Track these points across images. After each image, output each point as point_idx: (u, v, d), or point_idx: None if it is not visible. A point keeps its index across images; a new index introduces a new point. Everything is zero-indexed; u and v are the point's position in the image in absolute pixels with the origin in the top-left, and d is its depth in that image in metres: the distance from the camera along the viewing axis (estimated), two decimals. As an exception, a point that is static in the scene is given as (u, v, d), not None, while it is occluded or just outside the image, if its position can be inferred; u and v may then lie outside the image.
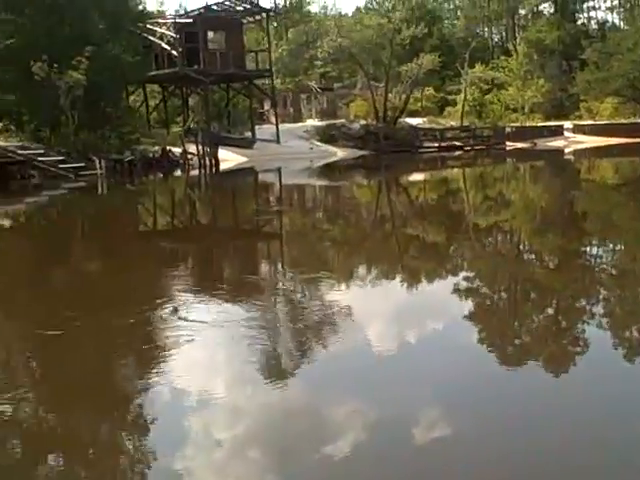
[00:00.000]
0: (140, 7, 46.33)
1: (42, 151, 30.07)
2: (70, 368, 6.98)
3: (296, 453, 5.07)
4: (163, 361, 6.87)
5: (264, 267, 12.76)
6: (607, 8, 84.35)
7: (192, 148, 35.77)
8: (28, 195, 26.33)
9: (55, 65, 30.81)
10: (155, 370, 6.68)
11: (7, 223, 20.51)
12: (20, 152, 29.05)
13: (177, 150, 35.76)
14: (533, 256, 13.58)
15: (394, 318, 8.73)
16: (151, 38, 41.15)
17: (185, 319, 8.19)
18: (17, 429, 5.57)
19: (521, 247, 14.61)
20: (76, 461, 5.09)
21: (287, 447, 5.17)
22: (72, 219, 21.10)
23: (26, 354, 7.59)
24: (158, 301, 9.19)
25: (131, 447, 5.18)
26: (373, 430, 5.35)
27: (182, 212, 22.60)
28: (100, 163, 30.11)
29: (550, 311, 9.05)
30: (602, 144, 49.29)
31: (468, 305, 9.20)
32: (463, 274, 11.31)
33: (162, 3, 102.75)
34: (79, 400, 6.14)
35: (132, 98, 45.45)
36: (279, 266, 12.59)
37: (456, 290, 9.90)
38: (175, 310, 8.59)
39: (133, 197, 26.91)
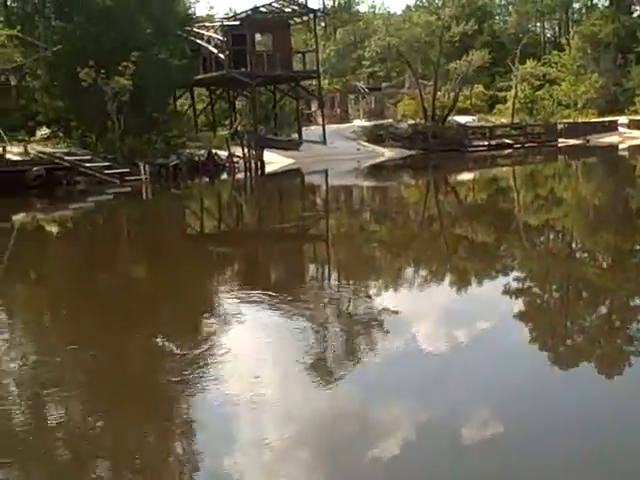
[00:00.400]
0: (189, 11, 46.64)
1: (89, 157, 30.20)
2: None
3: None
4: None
5: (320, 272, 12.48)
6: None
7: (238, 151, 35.63)
8: (74, 201, 26.44)
9: (102, 71, 30.92)
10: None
11: (54, 229, 20.59)
12: (66, 158, 29.23)
13: (223, 153, 35.66)
14: (586, 255, 13.36)
15: (457, 320, 8.63)
16: (198, 41, 41.20)
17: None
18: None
19: (574, 246, 14.34)
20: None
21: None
22: (117, 225, 21.11)
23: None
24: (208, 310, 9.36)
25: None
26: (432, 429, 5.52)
27: (228, 216, 22.41)
28: (145, 168, 30.07)
29: (604, 311, 8.96)
30: (659, 139, 48.07)
31: (526, 308, 9.09)
32: (519, 275, 11.14)
33: (212, 7, 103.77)
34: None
35: (180, 102, 45.60)
36: (335, 271, 12.47)
37: (514, 292, 9.80)
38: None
39: (177, 202, 26.80)
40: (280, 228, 17.87)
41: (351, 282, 10.99)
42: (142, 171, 29.94)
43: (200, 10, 65.46)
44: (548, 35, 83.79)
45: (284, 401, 6.06)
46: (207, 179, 33.12)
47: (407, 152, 43.75)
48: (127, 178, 29.34)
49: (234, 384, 6.45)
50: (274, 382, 6.54)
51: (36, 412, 6.13)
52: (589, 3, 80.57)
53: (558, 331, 8.13)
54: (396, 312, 8.71)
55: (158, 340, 8.07)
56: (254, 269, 13.01)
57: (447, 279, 11.14)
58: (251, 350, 7.45)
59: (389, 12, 71.80)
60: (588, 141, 50.00)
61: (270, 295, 9.87)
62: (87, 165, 29.29)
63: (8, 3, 37.75)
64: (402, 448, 5.19)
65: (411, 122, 47.98)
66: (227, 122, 46.25)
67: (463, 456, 5.03)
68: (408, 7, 79.83)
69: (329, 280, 11.53)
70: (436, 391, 6.25)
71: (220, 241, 16.59)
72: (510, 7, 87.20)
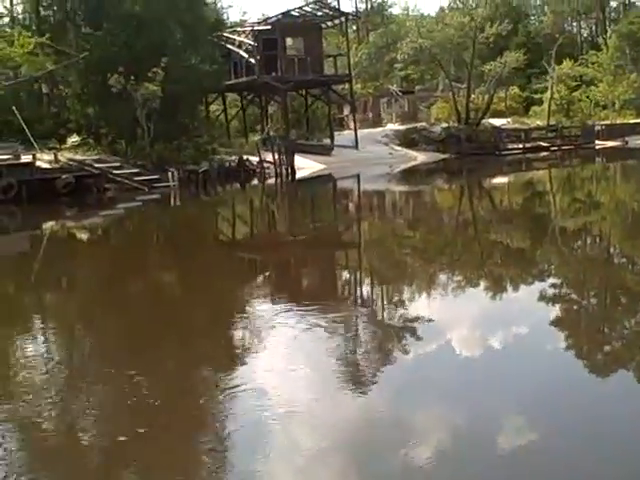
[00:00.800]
0: (222, 16, 46.55)
1: (118, 164, 30.15)
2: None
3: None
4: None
5: (359, 282, 12.23)
6: None
7: (269, 157, 35.35)
8: (103, 208, 26.40)
9: (132, 77, 30.85)
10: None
11: (85, 237, 20.55)
12: (96, 165, 29.19)
13: (255, 159, 35.39)
14: (625, 261, 13.13)
15: (506, 331, 8.55)
16: (229, 46, 41.08)
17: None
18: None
19: (612, 252, 14.03)
20: None
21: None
22: (147, 232, 21.00)
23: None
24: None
25: None
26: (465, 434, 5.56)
27: (256, 225, 21.99)
28: (173, 175, 29.95)
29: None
30: (701, 140, 46.92)
31: (566, 316, 9.00)
32: (560, 282, 11.02)
33: (245, 12, 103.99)
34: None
35: (214, 108, 45.51)
36: (373, 280, 12.30)
37: (557, 300, 9.69)
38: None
39: (205, 209, 26.58)
40: (312, 237, 17.45)
41: (390, 292, 10.89)
42: (170, 178, 29.81)
43: (233, 15, 65.64)
44: (585, 35, 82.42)
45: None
46: (238, 185, 32.86)
47: (440, 156, 43.15)
48: (155, 185, 29.22)
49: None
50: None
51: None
52: (627, 1, 79.12)
53: (599, 340, 7.94)
54: (441, 322, 8.76)
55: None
56: (288, 280, 12.68)
57: (496, 289, 10.84)
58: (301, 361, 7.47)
59: (422, 14, 71.24)
60: (627, 143, 48.86)
61: (313, 307, 9.67)
62: (116, 172, 29.23)
63: (40, 11, 37.95)
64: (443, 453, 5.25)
65: (444, 125, 47.35)
66: (259, 127, 46.03)
67: (495, 466, 5.04)
68: (441, 9, 79.17)
69: (369, 290, 11.42)
70: (477, 399, 6.21)
71: (249, 251, 16.28)
72: (545, 7, 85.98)
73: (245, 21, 58.28)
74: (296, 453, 5.38)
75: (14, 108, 30.48)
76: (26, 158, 27.80)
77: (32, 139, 29.43)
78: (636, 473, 4.81)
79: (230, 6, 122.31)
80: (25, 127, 29.64)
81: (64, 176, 27.74)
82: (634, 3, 78.24)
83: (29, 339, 9.07)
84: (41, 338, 9.22)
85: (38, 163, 28.12)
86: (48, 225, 22.68)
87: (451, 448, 5.29)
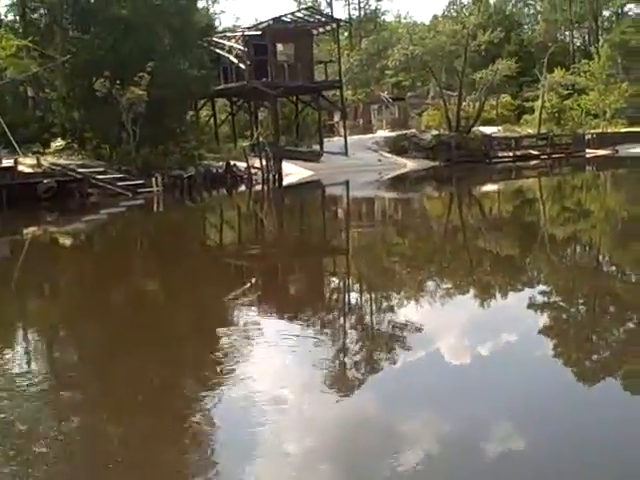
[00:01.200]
0: (215, 22, 46.22)
1: (102, 169, 29.73)
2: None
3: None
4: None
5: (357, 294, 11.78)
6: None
7: (257, 163, 35.00)
8: (85, 214, 25.97)
9: (118, 81, 30.46)
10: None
11: (65, 242, 20.18)
12: (79, 170, 28.78)
13: (242, 165, 35.03)
14: (614, 269, 12.95)
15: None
16: (219, 51, 40.78)
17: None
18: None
19: (601, 261, 13.83)
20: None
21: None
22: (128, 239, 20.49)
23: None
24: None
25: None
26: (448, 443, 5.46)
27: (239, 233, 21.43)
28: (157, 180, 29.53)
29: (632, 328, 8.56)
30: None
31: (554, 324, 8.85)
32: (549, 290, 10.84)
33: (238, 18, 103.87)
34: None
35: (203, 113, 45.17)
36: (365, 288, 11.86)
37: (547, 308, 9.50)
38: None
39: (188, 216, 26.02)
40: (293, 245, 17.08)
41: (377, 300, 10.62)
42: (154, 183, 29.40)
43: (226, 21, 65.42)
44: (577, 44, 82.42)
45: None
46: (224, 191, 32.43)
47: (430, 163, 42.96)
48: (140, 190, 28.76)
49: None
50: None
51: None
52: (619, 10, 79.27)
53: (587, 348, 7.84)
54: (430, 330, 8.65)
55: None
56: (270, 289, 12.19)
57: (485, 296, 10.56)
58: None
59: (414, 22, 71.20)
60: (617, 152, 48.78)
61: (296, 315, 9.44)
62: (99, 177, 28.81)
63: (27, 14, 37.56)
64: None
65: (435, 133, 47.13)
66: (249, 133, 45.72)
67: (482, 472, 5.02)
68: (435, 16, 79.08)
69: (356, 298, 11.06)
70: (465, 406, 6.15)
71: (229, 258, 15.86)
72: (538, 16, 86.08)
73: (238, 27, 58.08)
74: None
75: (-3, 111, 30.09)
76: (8, 162, 27.40)
77: (14, 143, 29.01)
78: (621, 477, 4.84)
79: (222, 12, 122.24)
80: (7, 130, 29.20)
81: (46, 181, 27.30)
82: (627, 13, 78.47)
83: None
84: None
85: (20, 167, 27.69)
86: (29, 230, 22.24)
87: (439, 454, 5.24)
